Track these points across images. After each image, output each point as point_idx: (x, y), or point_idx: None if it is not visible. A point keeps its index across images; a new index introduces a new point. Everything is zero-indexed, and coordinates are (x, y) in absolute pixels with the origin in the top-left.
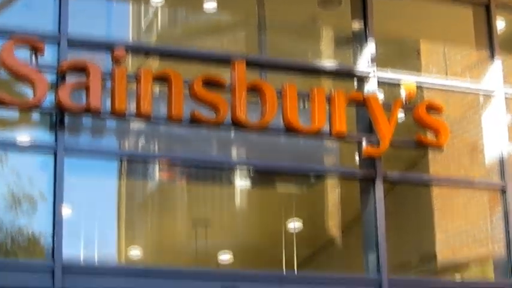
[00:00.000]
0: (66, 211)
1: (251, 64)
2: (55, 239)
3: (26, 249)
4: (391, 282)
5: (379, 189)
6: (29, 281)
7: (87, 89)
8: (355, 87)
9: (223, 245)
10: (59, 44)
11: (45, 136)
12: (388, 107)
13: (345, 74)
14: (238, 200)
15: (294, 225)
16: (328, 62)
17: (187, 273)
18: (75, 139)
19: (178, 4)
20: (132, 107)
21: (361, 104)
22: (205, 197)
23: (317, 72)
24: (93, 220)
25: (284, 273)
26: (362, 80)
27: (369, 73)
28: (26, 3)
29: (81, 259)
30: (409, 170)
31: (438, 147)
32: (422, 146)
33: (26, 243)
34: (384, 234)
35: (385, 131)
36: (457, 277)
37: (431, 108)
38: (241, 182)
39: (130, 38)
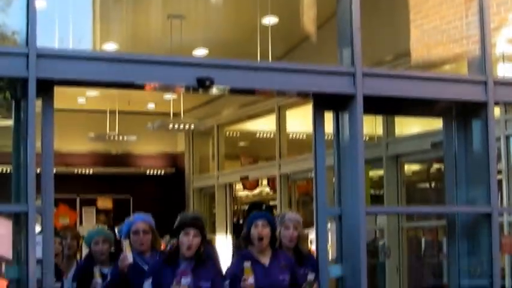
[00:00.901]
0: (40, 3)
1: None
2: (29, 26)
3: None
4: (365, 73)
5: None
6: (3, 67)
7: None
8: None
9: (198, 41)
10: None
11: None
12: None
13: None
14: None
15: (269, 20)
16: None
17: (163, 61)
18: None
19: None
20: None
21: None
22: None
23: None
24: (67, 14)
25: (259, 62)
26: None
27: None
28: None
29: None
30: None
31: None
32: None
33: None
34: (358, 28)
35: None
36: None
37: None
38: None
39: None
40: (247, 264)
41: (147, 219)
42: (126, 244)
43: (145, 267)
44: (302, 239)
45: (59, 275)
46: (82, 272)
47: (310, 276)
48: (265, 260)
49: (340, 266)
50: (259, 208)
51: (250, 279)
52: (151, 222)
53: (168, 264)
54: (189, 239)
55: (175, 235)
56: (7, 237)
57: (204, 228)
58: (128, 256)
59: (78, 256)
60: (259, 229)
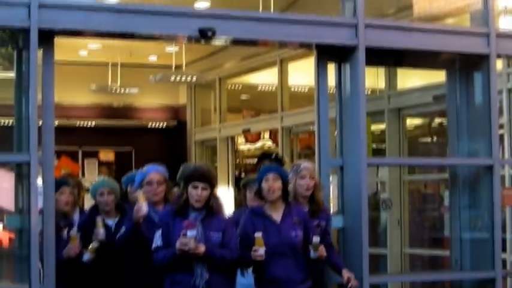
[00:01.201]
0: None
1: None
2: None
3: None
4: (367, 25)
5: None
6: (5, 18)
7: None
8: None
9: None
10: None
11: None
12: None
13: None
14: None
15: None
16: None
17: (165, 11)
18: None
19: None
20: None
21: None
22: None
23: None
24: None
25: (261, 12)
26: None
27: None
28: None
29: None
30: None
31: None
32: None
33: None
34: None
35: None
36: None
37: None
38: None
39: None
40: (258, 235)
41: (160, 170)
42: (140, 195)
43: None
44: (317, 188)
45: (71, 224)
46: (87, 223)
47: (316, 239)
48: (277, 215)
49: (341, 217)
50: (270, 157)
51: (261, 251)
52: (165, 173)
53: (178, 215)
54: (197, 193)
55: (179, 186)
56: (10, 191)
57: (212, 180)
58: (143, 207)
59: (80, 204)
60: (270, 183)
